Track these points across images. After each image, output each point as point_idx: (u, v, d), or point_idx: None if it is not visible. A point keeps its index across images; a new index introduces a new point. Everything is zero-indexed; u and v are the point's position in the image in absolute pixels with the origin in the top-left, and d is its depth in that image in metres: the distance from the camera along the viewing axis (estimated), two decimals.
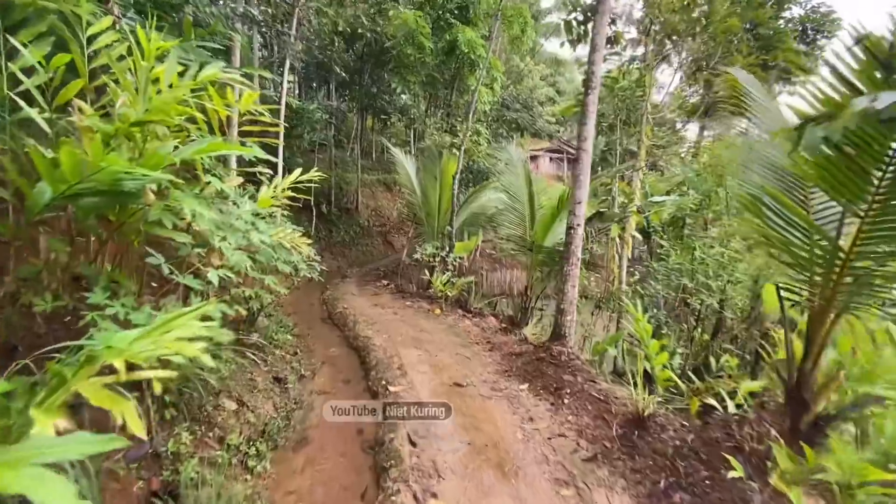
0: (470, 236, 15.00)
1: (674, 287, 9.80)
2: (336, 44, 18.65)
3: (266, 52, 15.34)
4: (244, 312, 5.36)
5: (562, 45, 24.70)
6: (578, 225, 5.86)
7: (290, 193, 6.78)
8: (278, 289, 5.75)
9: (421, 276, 12.50)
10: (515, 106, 18.06)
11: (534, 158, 33.81)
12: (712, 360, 6.98)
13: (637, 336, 6.19)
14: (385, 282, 12.46)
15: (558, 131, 30.37)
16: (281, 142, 12.98)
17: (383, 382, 5.26)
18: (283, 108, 12.78)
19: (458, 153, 12.84)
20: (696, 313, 9.65)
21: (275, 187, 5.51)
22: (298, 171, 5.57)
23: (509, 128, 17.96)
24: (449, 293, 8.92)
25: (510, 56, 19.75)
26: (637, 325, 5.81)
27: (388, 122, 28.68)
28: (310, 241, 7.07)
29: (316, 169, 5.92)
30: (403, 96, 15.93)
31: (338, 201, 19.18)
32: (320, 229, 17.15)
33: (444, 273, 9.94)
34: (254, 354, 5.84)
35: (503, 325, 8.68)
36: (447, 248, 10.67)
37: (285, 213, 7.39)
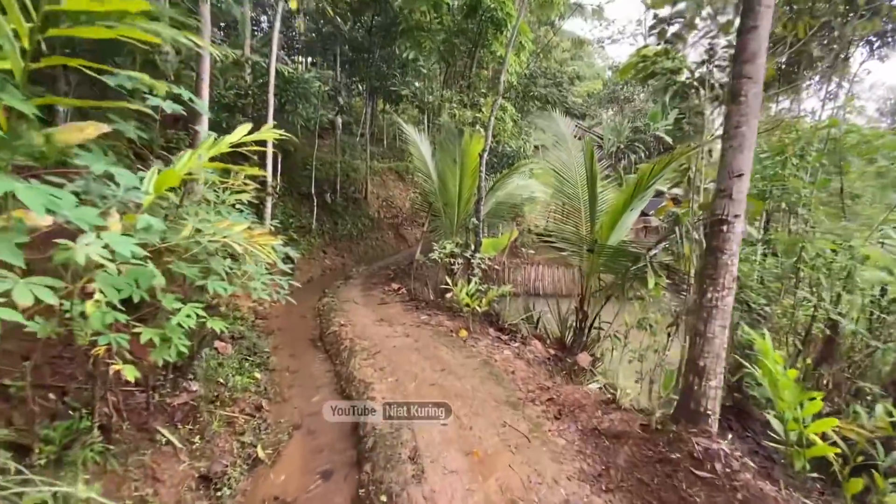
0: (491, 230, 12.55)
1: (772, 298, 7.27)
2: (343, 15, 16.19)
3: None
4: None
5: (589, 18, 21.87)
6: (736, 217, 3.38)
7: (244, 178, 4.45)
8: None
9: (439, 279, 10.12)
10: (542, 81, 15.42)
11: None
12: (859, 408, 4.51)
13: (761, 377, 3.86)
14: (395, 285, 10.08)
15: (588, 113, 27.46)
16: (270, 116, 10.63)
17: (384, 499, 2.88)
18: (272, 76, 10.40)
19: (482, 130, 10.41)
20: (805, 332, 7.11)
21: (199, 153, 3.08)
22: (244, 127, 3.17)
23: (538, 105, 15.34)
24: (478, 307, 6.50)
25: (534, 25, 17.08)
26: (766, 363, 3.44)
27: (399, 106, 26.23)
28: (283, 241, 4.74)
29: (279, 129, 3.51)
30: (419, 67, 13.33)
31: (344, 190, 16.82)
32: (324, 221, 14.83)
33: (470, 279, 7.52)
34: (174, 428, 3.50)
35: (553, 353, 6.26)
36: (472, 247, 8.23)
37: (252, 199, 5.02)
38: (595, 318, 6.60)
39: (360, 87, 25.64)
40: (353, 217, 16.70)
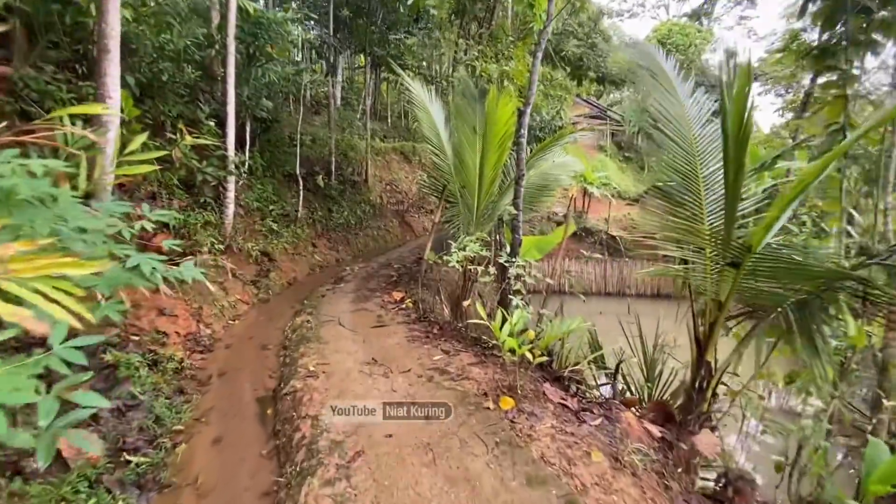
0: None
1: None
2: None
3: None
4: None
5: None
6: None
7: None
8: None
9: (457, 288, 7.42)
10: (574, 41, 12.43)
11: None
12: None
13: None
14: (398, 294, 7.39)
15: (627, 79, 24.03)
16: (231, 74, 7.83)
17: None
18: (232, 14, 7.56)
19: (508, 84, 7.61)
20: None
21: None
22: None
23: (570, 68, 12.37)
24: (529, 356, 3.79)
25: None
26: None
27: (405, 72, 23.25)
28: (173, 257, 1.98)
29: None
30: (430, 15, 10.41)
31: (341, 171, 14.05)
32: (315, 208, 12.11)
33: (506, 296, 4.81)
34: None
35: (660, 435, 3.59)
36: (506, 248, 5.51)
37: None
38: (721, 372, 3.89)
39: (363, 59, 22.65)
40: (350, 203, 13.96)
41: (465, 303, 7.46)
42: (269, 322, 6.65)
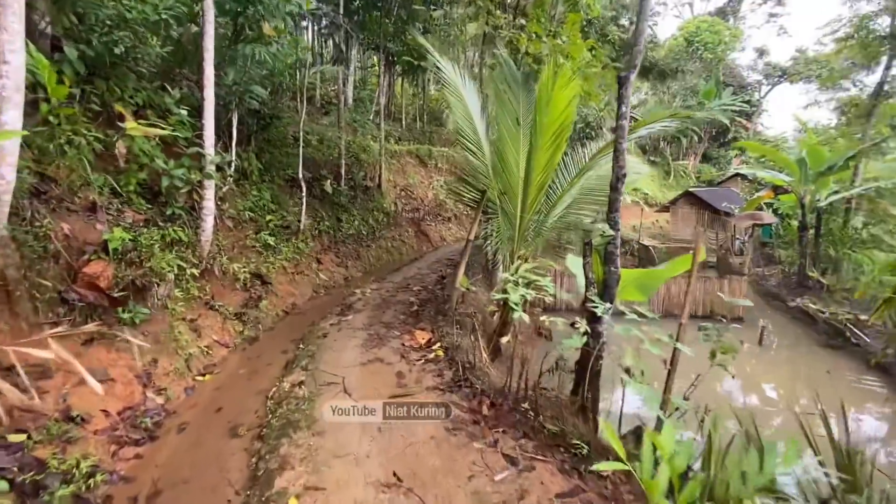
0: (553, 248, 7.70)
1: None
2: None
3: None
4: None
5: None
6: None
7: None
8: None
9: (495, 324, 5.50)
10: (623, 22, 10.48)
11: None
12: None
13: None
14: (423, 337, 5.48)
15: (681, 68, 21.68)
16: (208, 50, 6.01)
17: None
18: None
19: (565, 62, 5.72)
20: None
21: None
22: None
23: (614, 54, 10.43)
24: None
25: None
26: None
27: (419, 78, 21.28)
28: None
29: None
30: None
31: (351, 176, 12.25)
32: (322, 217, 10.30)
33: (591, 365, 2.90)
34: None
35: None
36: (590, 285, 3.57)
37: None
38: None
39: (375, 60, 20.94)
40: (362, 211, 12.15)
41: (504, 339, 5.59)
42: (250, 379, 4.79)
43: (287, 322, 6.81)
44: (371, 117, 16.64)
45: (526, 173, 6.00)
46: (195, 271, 5.56)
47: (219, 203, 6.46)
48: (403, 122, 21.18)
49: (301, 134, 9.06)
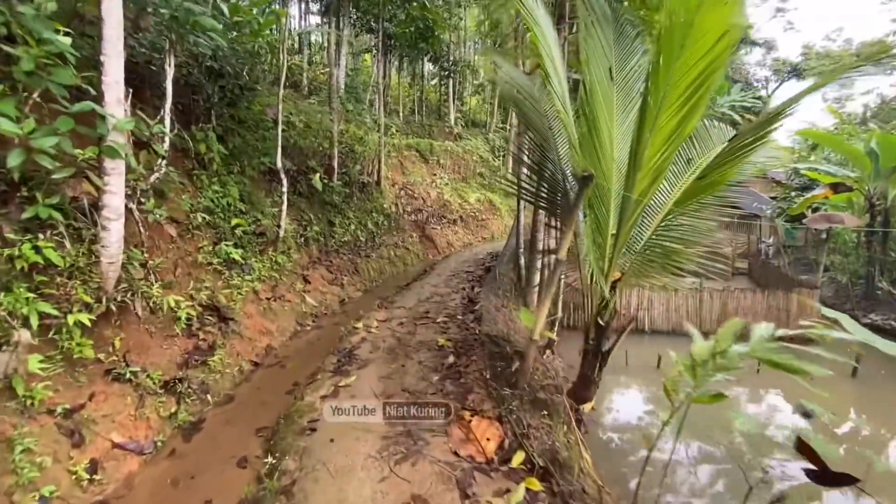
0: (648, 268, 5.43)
1: None
2: None
3: None
4: None
5: None
6: None
7: None
8: None
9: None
10: None
11: None
12: None
13: None
14: (484, 434, 3.08)
15: None
16: None
17: None
18: None
19: None
20: None
21: None
22: None
23: None
24: None
25: None
26: None
27: (418, 66, 18.57)
28: None
29: None
30: None
31: (345, 170, 9.80)
32: (308, 220, 7.85)
33: None
34: None
35: None
36: None
37: None
38: None
39: (370, 42, 18.48)
40: (359, 212, 9.71)
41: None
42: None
43: (255, 383, 4.35)
44: (366, 106, 14.19)
45: (635, 150, 3.65)
46: (87, 316, 3.08)
47: (141, 200, 3.97)
48: (401, 115, 18.74)
49: (279, 107, 6.57)
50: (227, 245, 5.44)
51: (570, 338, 5.99)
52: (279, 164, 6.42)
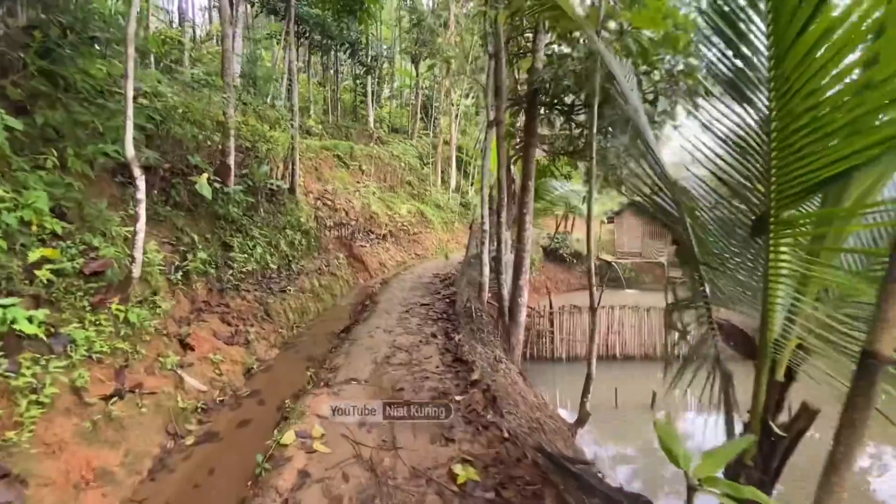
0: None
1: None
2: None
3: None
4: None
5: None
6: None
7: None
8: None
9: None
10: None
11: None
12: None
13: None
14: None
15: None
16: None
17: None
18: None
19: None
20: None
21: None
22: None
23: None
24: None
25: None
26: None
27: (333, 60, 15.73)
28: None
29: None
30: None
31: (247, 172, 6.99)
32: (191, 243, 5.03)
33: None
34: None
35: None
36: None
37: None
38: None
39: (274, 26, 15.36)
40: (268, 229, 6.97)
41: None
42: None
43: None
44: (267, 101, 11.23)
45: None
46: None
47: None
48: (312, 114, 15.89)
49: (130, 64, 3.76)
50: (5, 304, 2.62)
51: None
52: (129, 154, 3.63)
